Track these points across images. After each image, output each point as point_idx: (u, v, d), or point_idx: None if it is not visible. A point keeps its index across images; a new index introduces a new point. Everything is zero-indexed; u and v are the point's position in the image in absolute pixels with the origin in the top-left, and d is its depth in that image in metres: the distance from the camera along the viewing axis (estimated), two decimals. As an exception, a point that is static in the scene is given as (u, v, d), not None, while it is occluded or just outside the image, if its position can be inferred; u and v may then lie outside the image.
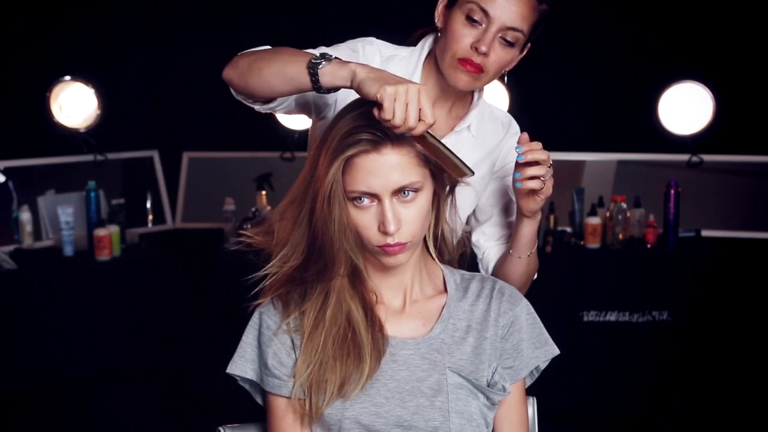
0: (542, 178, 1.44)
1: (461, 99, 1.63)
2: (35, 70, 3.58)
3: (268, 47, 1.46)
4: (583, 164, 3.55)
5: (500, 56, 1.49)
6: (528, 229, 1.55)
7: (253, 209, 3.42)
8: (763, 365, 3.27)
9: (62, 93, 3.41)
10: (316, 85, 1.34)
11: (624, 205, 3.19)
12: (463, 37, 1.48)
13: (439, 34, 1.54)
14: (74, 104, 3.42)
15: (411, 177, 1.26)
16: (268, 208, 3.42)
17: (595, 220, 3.15)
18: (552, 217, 3.26)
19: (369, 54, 1.56)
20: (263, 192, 3.46)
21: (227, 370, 1.38)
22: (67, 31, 3.67)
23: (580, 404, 3.13)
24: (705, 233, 3.29)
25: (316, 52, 1.38)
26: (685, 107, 3.36)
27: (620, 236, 3.17)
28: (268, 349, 1.34)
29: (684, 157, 3.39)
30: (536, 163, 1.45)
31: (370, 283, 1.37)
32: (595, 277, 3.11)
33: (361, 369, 1.29)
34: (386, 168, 1.25)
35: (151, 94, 3.90)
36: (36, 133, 3.52)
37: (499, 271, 1.64)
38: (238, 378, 1.39)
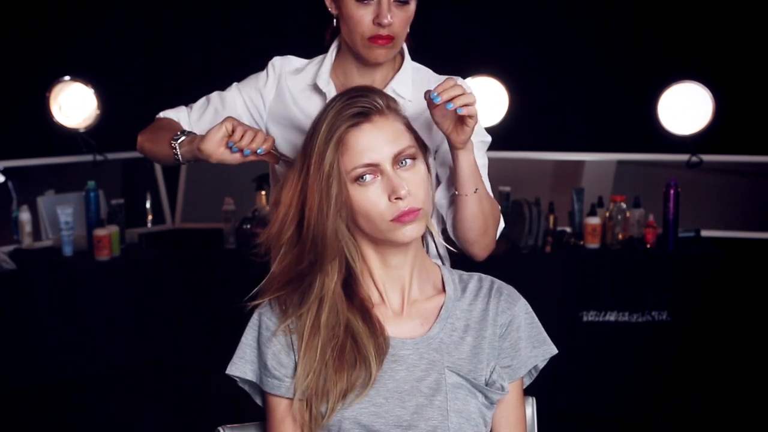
0: (471, 105, 1.38)
1: (387, 67, 1.66)
2: (35, 70, 3.57)
3: (163, 116, 1.77)
4: (582, 164, 3.55)
5: (402, 17, 1.56)
6: (465, 162, 1.48)
7: (253, 209, 3.42)
8: (763, 366, 3.27)
9: (62, 93, 3.40)
10: (177, 158, 1.58)
11: (623, 205, 3.18)
12: (362, 17, 1.55)
13: (335, 22, 1.62)
14: (74, 104, 3.41)
15: (405, 142, 1.30)
16: (268, 208, 3.41)
17: (594, 220, 3.15)
18: (551, 217, 3.26)
19: (277, 69, 1.71)
20: (263, 192, 3.45)
21: (227, 371, 1.38)
22: (67, 31, 3.66)
23: (579, 404, 3.12)
24: (705, 233, 3.28)
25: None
26: (685, 107, 3.36)
27: (620, 236, 3.17)
28: (267, 350, 1.34)
29: (684, 157, 3.39)
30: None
31: (365, 287, 1.37)
32: (595, 277, 3.10)
33: (367, 375, 1.30)
34: (380, 137, 1.29)
35: (151, 94, 3.89)
36: (35, 134, 3.51)
37: (455, 220, 1.58)
38: (237, 379, 1.39)
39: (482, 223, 1.55)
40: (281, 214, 1.34)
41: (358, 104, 1.29)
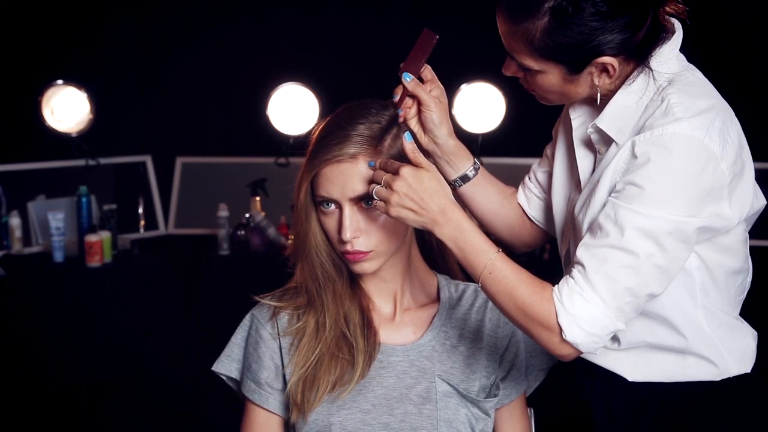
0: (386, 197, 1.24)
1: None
2: (27, 74, 3.55)
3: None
4: (581, 170, 3.51)
5: (529, 79, 1.31)
6: (443, 239, 1.26)
7: (247, 215, 3.39)
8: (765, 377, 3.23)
9: (54, 97, 3.38)
10: None
11: (622, 212, 3.15)
12: None
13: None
14: (66, 108, 3.39)
15: (368, 187, 1.27)
16: (263, 214, 3.39)
17: (593, 227, 3.11)
18: (549, 224, 3.23)
19: None
20: (257, 198, 3.43)
21: (213, 368, 1.41)
22: (60, 34, 3.64)
23: (577, 415, 3.09)
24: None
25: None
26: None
27: (619, 243, 3.13)
28: (254, 352, 1.36)
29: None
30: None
31: (364, 287, 1.38)
32: (594, 284, 3.07)
33: (353, 371, 1.30)
34: (346, 176, 1.27)
35: (145, 99, 3.87)
36: (27, 138, 3.49)
37: None
38: (224, 377, 1.42)
39: (516, 320, 1.25)
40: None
41: (336, 142, 1.28)
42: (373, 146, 1.28)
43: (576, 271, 1.21)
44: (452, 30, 3.70)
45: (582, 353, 1.23)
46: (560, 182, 1.41)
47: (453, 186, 1.42)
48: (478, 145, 3.29)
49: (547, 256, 3.09)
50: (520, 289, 1.22)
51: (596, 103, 1.30)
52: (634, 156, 1.21)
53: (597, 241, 1.20)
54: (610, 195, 1.23)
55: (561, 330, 1.18)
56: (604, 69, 1.24)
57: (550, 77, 1.26)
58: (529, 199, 1.50)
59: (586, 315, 1.18)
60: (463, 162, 1.42)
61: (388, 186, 1.22)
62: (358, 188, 1.27)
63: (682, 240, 1.19)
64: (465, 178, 1.43)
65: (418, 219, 1.23)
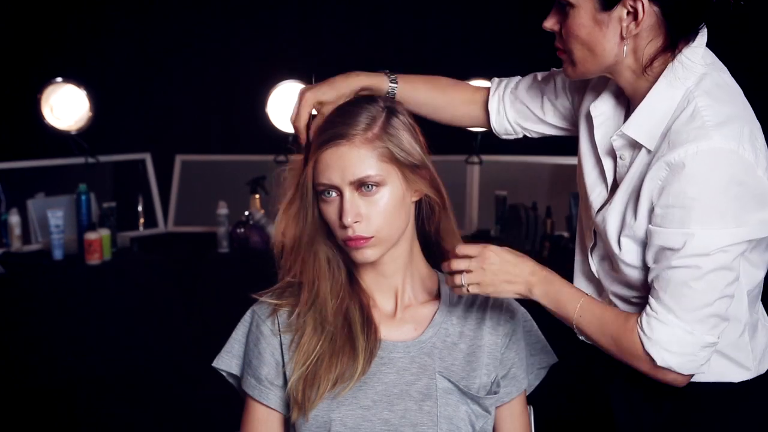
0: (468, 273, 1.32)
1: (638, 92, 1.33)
2: (26, 72, 3.55)
3: None
4: (580, 168, 3.51)
5: (564, 32, 1.36)
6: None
7: (247, 213, 3.40)
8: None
9: (53, 95, 3.37)
10: None
11: (622, 210, 3.14)
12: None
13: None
14: (66, 106, 3.38)
15: (368, 170, 1.28)
16: (262, 212, 3.39)
17: (592, 225, 3.12)
18: (549, 222, 3.23)
19: None
20: (257, 195, 3.43)
21: (213, 364, 1.42)
22: (60, 32, 3.64)
23: (578, 413, 3.10)
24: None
25: None
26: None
27: (618, 241, 3.13)
28: (254, 348, 1.37)
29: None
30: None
31: (363, 284, 1.39)
32: (593, 282, 3.07)
33: (354, 368, 1.31)
34: (345, 159, 1.29)
35: (144, 96, 3.87)
36: (26, 135, 3.49)
37: None
38: (224, 373, 1.42)
39: (606, 345, 1.32)
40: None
41: (333, 128, 1.31)
42: (370, 131, 1.30)
43: (651, 296, 1.25)
44: (452, 29, 3.72)
45: (691, 375, 1.25)
46: (592, 180, 1.42)
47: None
48: (477, 143, 3.29)
49: (547, 254, 3.09)
50: (609, 326, 1.29)
51: (620, 98, 1.33)
52: (670, 175, 1.21)
53: (658, 265, 1.24)
54: (650, 216, 1.25)
55: (651, 358, 1.24)
56: (635, 13, 1.23)
57: (582, 14, 1.27)
58: (499, 113, 1.63)
59: (667, 337, 1.23)
60: (378, 88, 1.45)
61: (476, 269, 1.29)
62: (358, 172, 1.28)
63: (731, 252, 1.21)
64: (391, 93, 1.47)
65: (513, 288, 1.31)
